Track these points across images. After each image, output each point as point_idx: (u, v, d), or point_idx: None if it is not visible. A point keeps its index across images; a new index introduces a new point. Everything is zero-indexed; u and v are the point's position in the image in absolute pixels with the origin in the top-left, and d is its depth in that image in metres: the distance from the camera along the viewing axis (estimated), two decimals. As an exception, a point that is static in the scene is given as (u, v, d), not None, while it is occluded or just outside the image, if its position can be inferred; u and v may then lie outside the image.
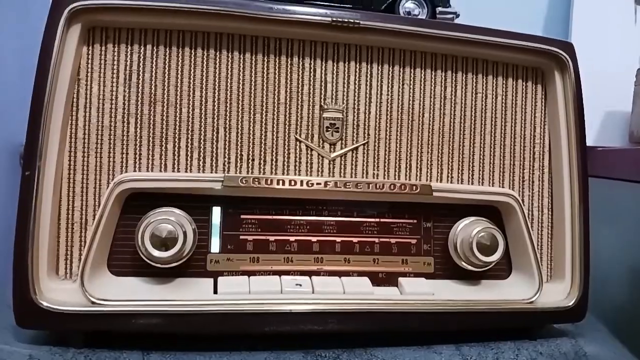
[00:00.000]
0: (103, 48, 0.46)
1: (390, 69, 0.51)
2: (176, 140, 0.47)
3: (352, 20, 0.48)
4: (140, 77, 0.46)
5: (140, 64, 0.46)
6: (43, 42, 0.44)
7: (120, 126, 0.46)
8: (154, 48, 0.47)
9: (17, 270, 0.43)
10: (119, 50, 0.46)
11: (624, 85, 0.92)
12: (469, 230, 0.50)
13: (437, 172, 0.52)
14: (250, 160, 0.48)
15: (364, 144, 0.50)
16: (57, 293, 0.44)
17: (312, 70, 0.49)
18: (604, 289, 0.73)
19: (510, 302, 0.51)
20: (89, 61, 0.46)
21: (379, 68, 0.51)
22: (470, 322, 0.49)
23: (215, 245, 0.48)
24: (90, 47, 0.46)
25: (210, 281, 0.47)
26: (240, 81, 0.48)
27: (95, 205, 0.46)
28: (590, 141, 0.92)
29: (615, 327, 0.59)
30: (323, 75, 0.50)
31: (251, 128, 0.48)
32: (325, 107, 0.50)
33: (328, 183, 0.49)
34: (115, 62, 0.46)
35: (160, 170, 0.47)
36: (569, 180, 0.53)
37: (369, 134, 0.50)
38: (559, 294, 0.52)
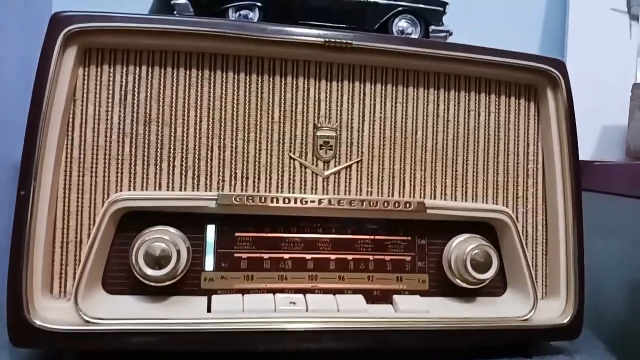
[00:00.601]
0: (99, 69, 0.47)
1: (383, 87, 0.51)
2: (171, 159, 0.47)
3: (344, 41, 0.49)
4: (136, 97, 0.47)
5: (136, 85, 0.47)
6: (40, 63, 0.44)
7: (115, 146, 0.47)
8: (149, 69, 0.47)
9: (12, 289, 0.43)
10: (115, 71, 0.47)
11: (620, 99, 0.93)
12: (463, 247, 0.50)
13: (431, 190, 0.52)
14: (244, 179, 0.49)
15: (357, 162, 0.51)
16: (51, 312, 0.44)
17: (305, 89, 0.50)
18: (602, 304, 0.73)
19: (505, 319, 0.50)
20: (85, 82, 0.46)
21: (372, 87, 0.51)
22: (465, 339, 0.49)
23: (209, 263, 0.48)
24: (86, 68, 0.46)
25: (204, 299, 0.47)
26: (235, 101, 0.49)
27: (90, 224, 0.46)
28: (587, 155, 0.92)
29: (613, 342, 0.59)
30: (316, 94, 0.50)
31: (245, 147, 0.49)
32: (319, 125, 0.50)
33: (322, 201, 0.49)
34: (111, 83, 0.47)
35: (155, 189, 0.47)
36: (562, 196, 0.53)
37: (362, 152, 0.51)
38: (554, 311, 0.52)
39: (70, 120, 0.46)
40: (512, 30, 1.02)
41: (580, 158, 0.54)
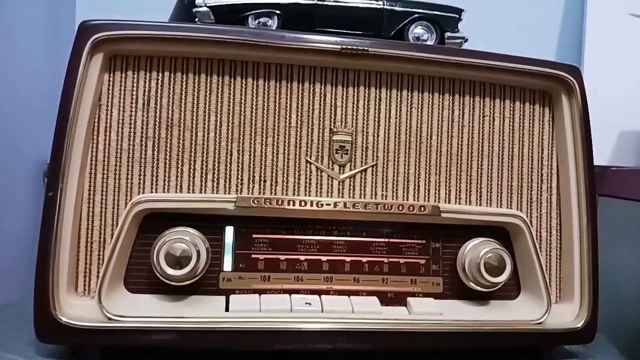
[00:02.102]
0: (123, 75, 0.48)
1: (399, 93, 0.52)
2: (191, 162, 0.49)
3: (361, 48, 0.50)
4: (158, 102, 0.49)
5: (158, 90, 0.49)
6: (68, 70, 0.46)
7: (138, 149, 0.48)
8: (172, 75, 0.49)
9: (39, 286, 0.45)
10: (138, 77, 0.48)
11: (637, 105, 0.92)
12: (477, 251, 0.51)
13: (446, 194, 0.53)
14: (262, 182, 0.50)
15: (372, 166, 0.52)
16: (76, 309, 0.46)
17: (322, 95, 0.51)
18: (617, 310, 0.73)
19: (518, 322, 0.51)
20: (110, 87, 0.48)
21: (388, 92, 0.52)
22: (478, 342, 0.50)
23: (227, 263, 0.49)
24: (111, 74, 0.48)
25: (222, 299, 0.49)
26: (253, 106, 0.50)
27: (114, 225, 0.47)
28: (603, 161, 0.92)
29: (630, 348, 0.59)
30: (333, 99, 0.51)
31: (263, 151, 0.50)
32: (335, 130, 0.51)
33: (337, 204, 0.50)
34: (135, 89, 0.48)
35: (176, 191, 0.49)
36: (577, 201, 0.54)
37: (377, 156, 0.52)
38: (568, 315, 0.53)
39: (96, 124, 0.48)
40: (529, 36, 1.02)
41: (597, 163, 0.55)
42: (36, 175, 0.80)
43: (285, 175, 0.50)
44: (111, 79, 0.48)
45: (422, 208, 0.51)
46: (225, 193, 0.49)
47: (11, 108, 0.74)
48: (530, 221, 0.54)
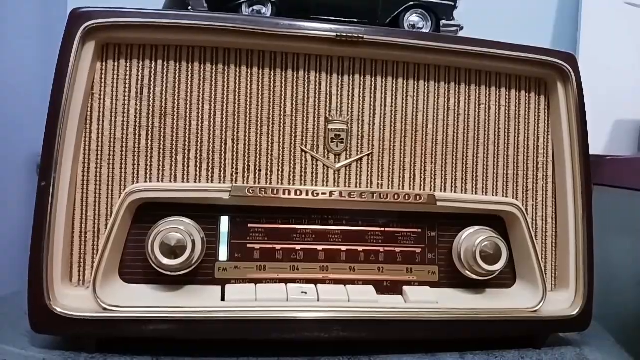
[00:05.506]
0: (116, 64, 0.48)
1: (394, 81, 0.52)
2: (186, 151, 0.49)
3: (356, 35, 0.49)
4: (151, 91, 0.48)
5: (152, 79, 0.48)
6: (59, 59, 0.46)
7: (131, 138, 0.48)
8: (165, 63, 0.48)
9: (33, 277, 0.44)
10: (131, 66, 0.48)
11: (633, 93, 0.92)
12: (472, 239, 0.51)
13: (441, 182, 0.53)
14: (257, 171, 0.50)
15: (368, 155, 0.51)
16: (71, 299, 0.45)
17: (317, 83, 0.51)
18: (613, 298, 0.73)
19: (514, 310, 0.51)
20: (103, 76, 0.48)
21: (383, 80, 0.52)
22: (474, 330, 0.50)
23: (223, 253, 0.49)
24: (103, 63, 0.48)
25: (218, 289, 0.48)
26: (248, 94, 0.50)
27: (108, 215, 0.47)
28: (599, 149, 0.92)
29: (628, 336, 0.59)
30: (328, 88, 0.51)
31: (258, 140, 0.50)
32: (331, 118, 0.51)
33: (333, 193, 0.50)
34: (128, 77, 0.48)
35: (171, 181, 0.48)
36: (572, 189, 0.54)
37: (373, 145, 0.51)
38: (563, 302, 0.53)
39: (89, 113, 0.47)
40: (525, 24, 1.02)
41: (593, 152, 0.55)
42: (29, 168, 0.80)
43: (280, 164, 0.50)
44: (103, 67, 0.48)
45: (418, 197, 0.51)
46: (220, 182, 0.49)
47: (2, 100, 0.73)
48: (526, 209, 0.54)
